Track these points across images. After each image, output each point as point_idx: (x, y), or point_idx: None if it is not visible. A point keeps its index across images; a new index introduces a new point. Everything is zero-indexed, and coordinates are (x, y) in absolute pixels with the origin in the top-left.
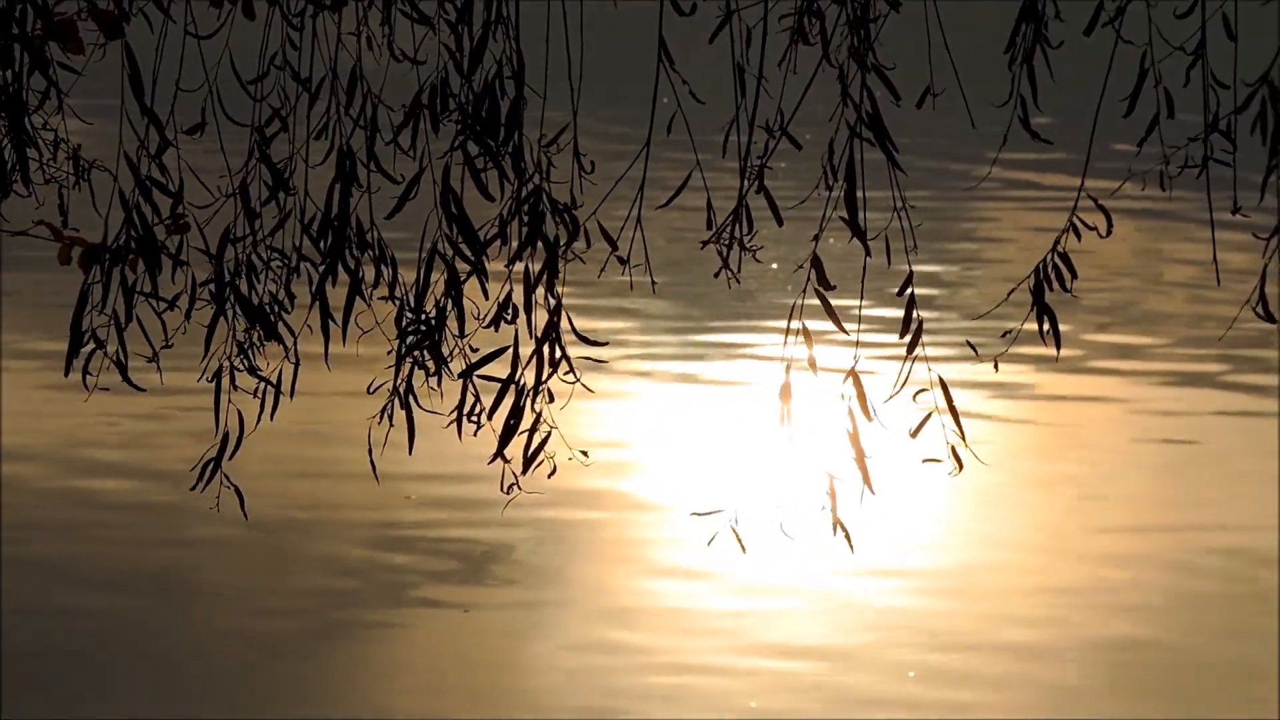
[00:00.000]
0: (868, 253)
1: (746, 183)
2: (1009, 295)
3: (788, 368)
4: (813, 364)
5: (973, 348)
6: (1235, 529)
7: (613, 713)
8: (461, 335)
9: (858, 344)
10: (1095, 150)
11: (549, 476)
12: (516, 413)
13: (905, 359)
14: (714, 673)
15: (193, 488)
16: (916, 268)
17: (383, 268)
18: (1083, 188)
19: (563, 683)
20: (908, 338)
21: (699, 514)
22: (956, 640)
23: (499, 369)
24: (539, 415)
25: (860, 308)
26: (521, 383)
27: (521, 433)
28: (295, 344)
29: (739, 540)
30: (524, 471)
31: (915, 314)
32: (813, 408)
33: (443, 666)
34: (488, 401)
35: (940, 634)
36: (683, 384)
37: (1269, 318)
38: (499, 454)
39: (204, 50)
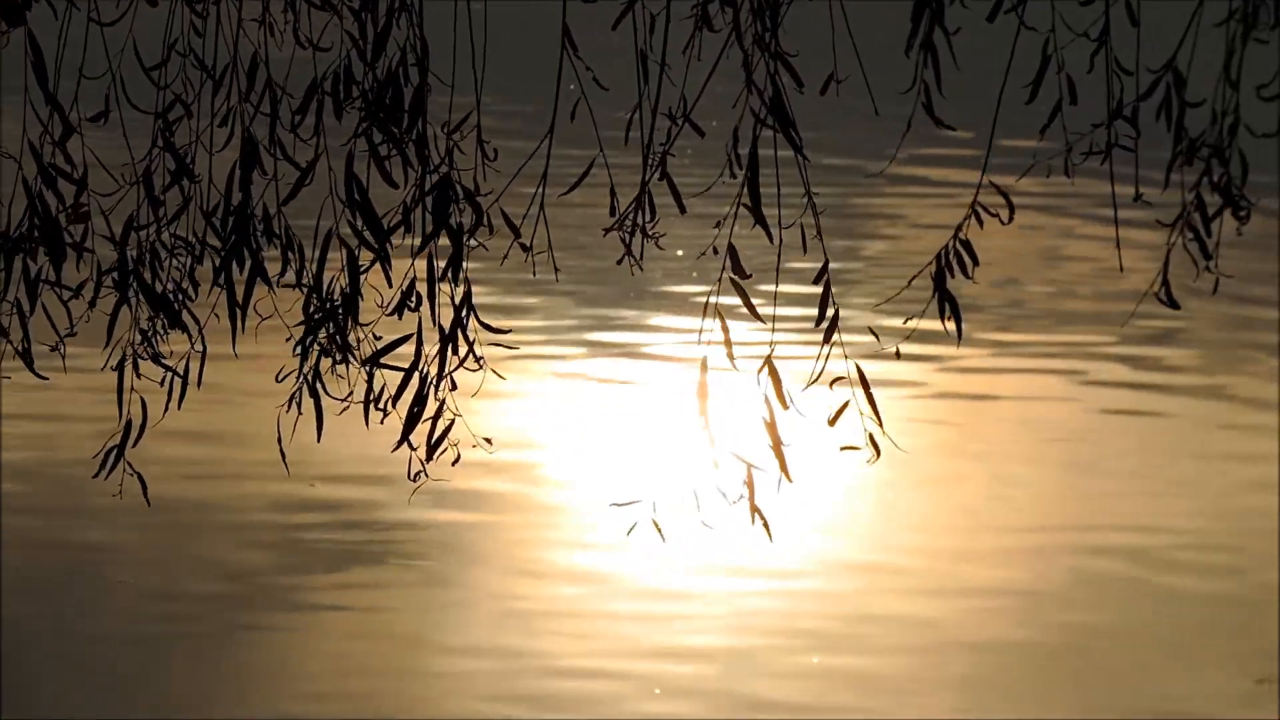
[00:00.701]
0: (770, 240)
1: (649, 170)
2: (910, 282)
3: (704, 362)
4: (729, 348)
5: (875, 335)
6: (1131, 528)
7: (516, 714)
8: (355, 323)
9: (773, 331)
10: (1001, 138)
11: (453, 464)
12: (420, 401)
13: (822, 347)
14: (612, 676)
15: (95, 475)
16: (833, 258)
17: (289, 255)
18: (984, 174)
19: (461, 686)
20: (823, 327)
21: (618, 505)
22: (857, 638)
23: (404, 357)
24: (442, 403)
25: (775, 296)
26: (425, 371)
27: (425, 420)
28: (201, 332)
29: (659, 531)
30: (428, 459)
31: (831, 303)
32: (727, 397)
33: (341, 668)
34: (394, 390)
35: (840, 632)
36: (589, 375)
37: (1172, 304)
38: (402, 441)
39: (107, 37)
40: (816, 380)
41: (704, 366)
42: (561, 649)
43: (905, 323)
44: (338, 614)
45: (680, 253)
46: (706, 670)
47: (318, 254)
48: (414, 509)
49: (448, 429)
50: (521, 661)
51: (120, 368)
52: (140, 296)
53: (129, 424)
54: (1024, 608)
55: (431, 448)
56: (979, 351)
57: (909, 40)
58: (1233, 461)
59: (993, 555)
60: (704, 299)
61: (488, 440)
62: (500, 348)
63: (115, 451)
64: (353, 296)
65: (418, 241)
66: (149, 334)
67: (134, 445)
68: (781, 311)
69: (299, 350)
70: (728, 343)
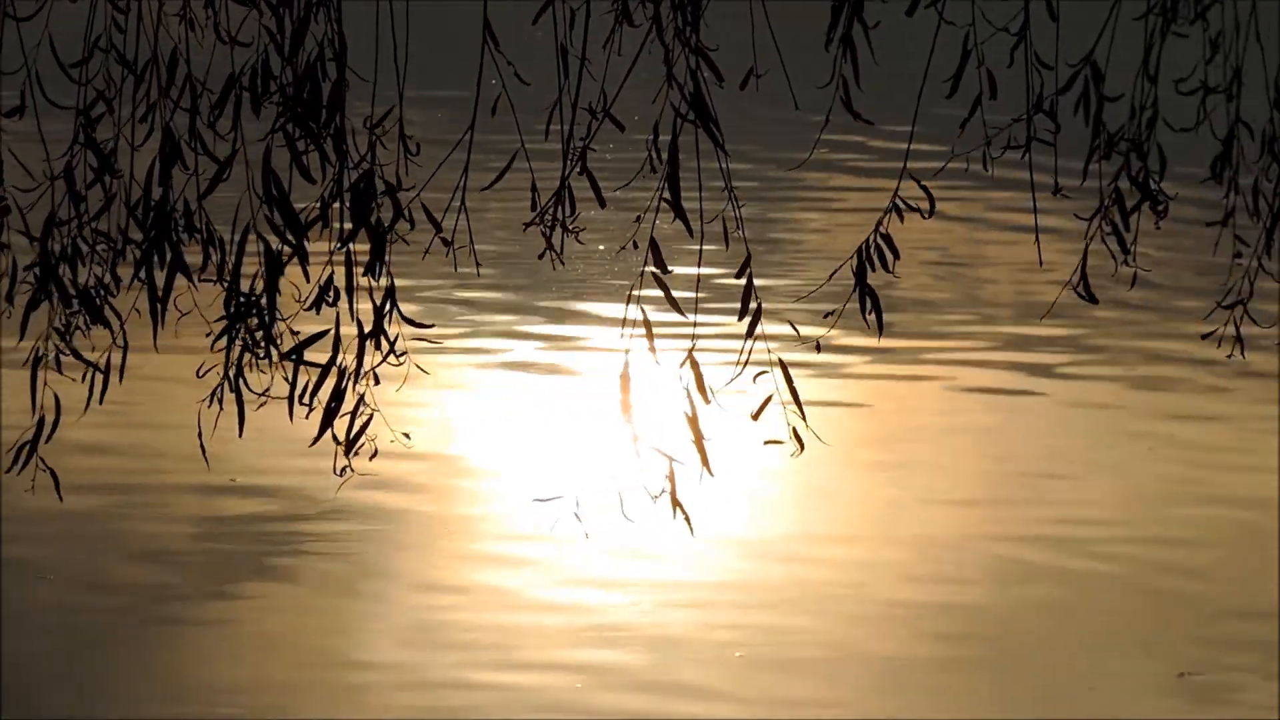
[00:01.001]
0: (690, 234)
1: (569, 164)
2: (831, 277)
3: (626, 355)
4: (651, 342)
5: (794, 328)
6: (1053, 520)
7: (439, 708)
8: (276, 318)
9: (695, 325)
10: (921, 132)
11: (370, 459)
12: (340, 395)
13: (745, 339)
14: (541, 667)
15: (8, 470)
16: (757, 253)
17: (210, 250)
18: (905, 169)
19: (388, 678)
20: (746, 320)
21: (540, 500)
22: (785, 625)
23: (325, 352)
24: (361, 398)
25: (697, 290)
26: (344, 366)
27: (344, 415)
28: (123, 327)
29: (581, 527)
30: (347, 453)
31: (754, 296)
32: (651, 391)
33: (258, 668)
34: (314, 385)
35: (767, 618)
36: (512, 368)
37: (1090, 298)
38: (321, 435)
39: (23, 32)
40: (740, 373)
41: (626, 362)
42: (483, 647)
43: (825, 317)
44: (254, 613)
45: (601, 247)
46: (629, 664)
47: (236, 249)
48: (335, 507)
49: (366, 424)
50: (443, 658)
51: (35, 364)
52: (58, 293)
53: (42, 420)
54: (945, 601)
55: (350, 442)
56: (899, 345)
57: (828, 35)
58: (1156, 452)
59: (914, 547)
60: (627, 294)
61: (406, 435)
62: (423, 343)
63: (28, 447)
64: (272, 292)
65: (346, 235)
66: (67, 330)
67: (47, 441)
68: (716, 305)
69: (219, 344)
70: (650, 337)
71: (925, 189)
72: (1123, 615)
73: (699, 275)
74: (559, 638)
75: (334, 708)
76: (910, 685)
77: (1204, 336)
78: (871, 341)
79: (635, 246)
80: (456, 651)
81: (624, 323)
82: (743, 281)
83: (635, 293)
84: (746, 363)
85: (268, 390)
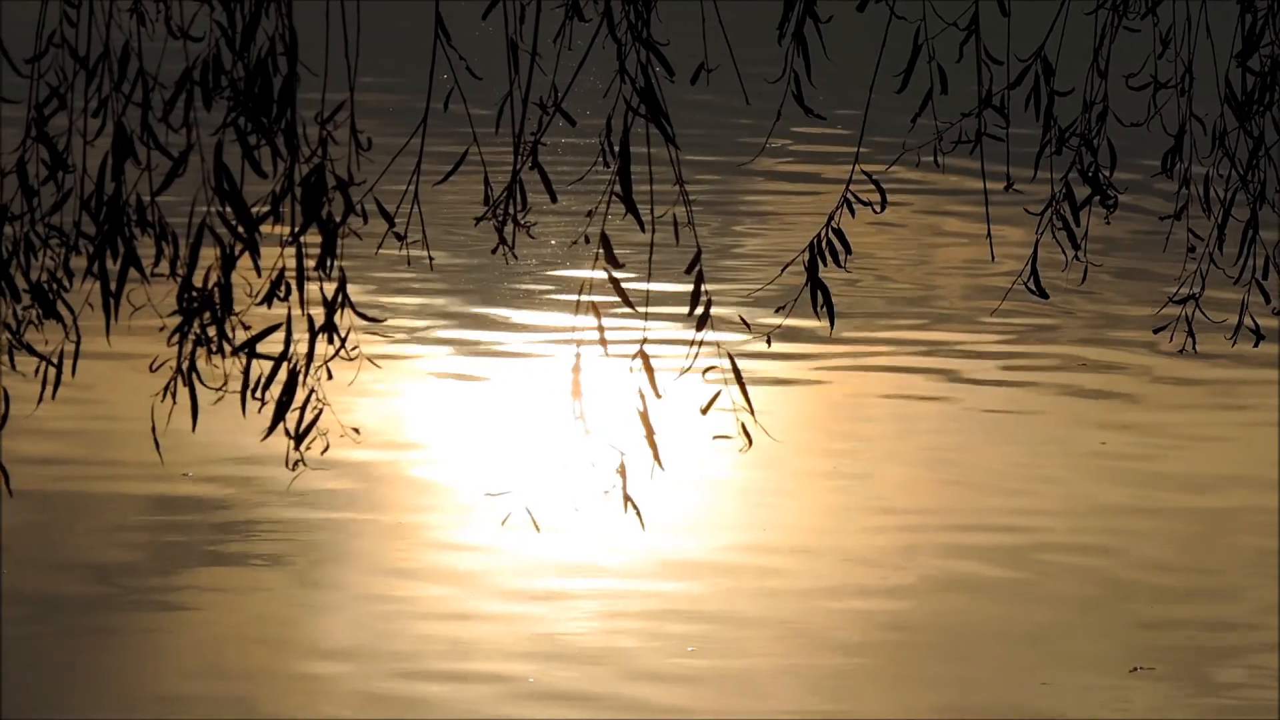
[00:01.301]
0: (641, 228)
1: (520, 159)
2: (782, 271)
3: (577, 350)
4: (603, 340)
5: (745, 324)
6: (1002, 525)
7: (391, 699)
8: (227, 313)
9: (646, 320)
10: (876, 128)
11: (322, 453)
12: (292, 389)
13: (695, 336)
14: (488, 669)
15: None
16: (710, 249)
17: (163, 245)
18: (855, 164)
19: (330, 687)
20: (697, 314)
21: (492, 494)
22: (727, 636)
23: (278, 346)
24: (311, 392)
25: (648, 285)
26: (295, 360)
27: (295, 410)
28: (75, 321)
29: (533, 521)
30: (296, 447)
31: (703, 291)
32: (603, 386)
33: (209, 666)
34: (266, 379)
35: (711, 630)
36: (462, 365)
37: (1041, 293)
38: (272, 430)
39: None
40: (690, 369)
41: (578, 357)
42: (432, 647)
43: (776, 311)
44: (206, 611)
45: (553, 242)
46: (579, 668)
47: (190, 244)
48: (285, 502)
49: (315, 418)
50: (391, 662)
51: None
52: (9, 289)
53: None
54: (895, 604)
55: (299, 437)
56: (851, 344)
57: (780, 30)
58: (1100, 456)
59: (863, 551)
60: (579, 289)
61: (355, 430)
62: (375, 336)
63: None
64: (226, 286)
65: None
66: (19, 326)
67: None
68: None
69: (175, 340)
70: (601, 333)
71: (877, 184)
72: (1074, 616)
73: (650, 270)
74: (510, 631)
75: (289, 696)
76: (860, 694)
77: (1156, 331)
78: (823, 343)
79: (587, 241)
80: (403, 658)
81: (576, 306)
82: (717, 276)
83: (588, 288)
84: (698, 353)
85: (225, 385)
